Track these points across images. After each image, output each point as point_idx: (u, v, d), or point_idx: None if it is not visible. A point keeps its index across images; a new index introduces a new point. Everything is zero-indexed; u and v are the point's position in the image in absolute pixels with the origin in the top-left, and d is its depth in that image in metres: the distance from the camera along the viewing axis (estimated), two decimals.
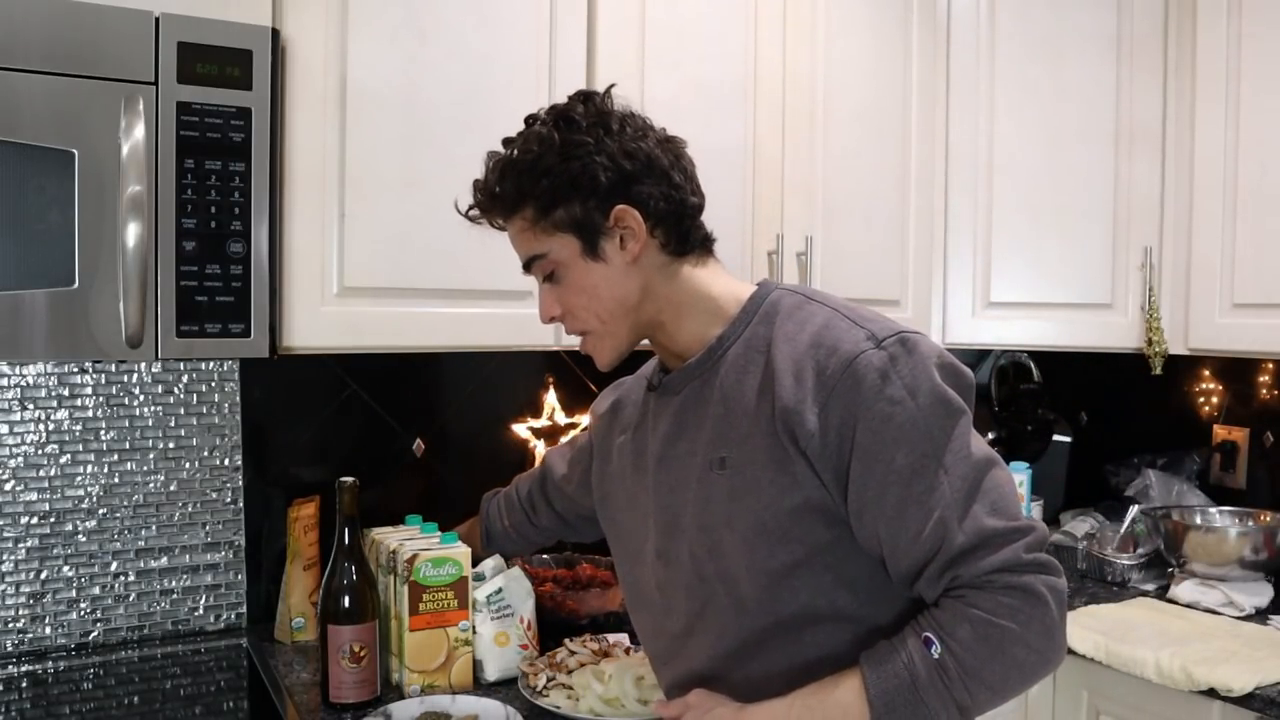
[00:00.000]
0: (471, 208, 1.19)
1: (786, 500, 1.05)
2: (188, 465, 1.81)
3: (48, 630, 1.71)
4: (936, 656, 0.99)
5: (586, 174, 1.09)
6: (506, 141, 1.16)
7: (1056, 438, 2.68)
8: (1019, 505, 1.05)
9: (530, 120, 1.15)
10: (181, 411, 1.81)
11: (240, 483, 1.85)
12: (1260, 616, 1.96)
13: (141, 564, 1.78)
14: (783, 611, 1.08)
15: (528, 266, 1.17)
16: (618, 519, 1.30)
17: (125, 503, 1.77)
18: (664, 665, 1.24)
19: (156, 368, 1.79)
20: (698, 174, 1.18)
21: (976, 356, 2.71)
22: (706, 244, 1.19)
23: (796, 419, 1.03)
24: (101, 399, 1.75)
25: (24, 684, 1.60)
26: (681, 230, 1.14)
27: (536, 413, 2.14)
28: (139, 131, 1.33)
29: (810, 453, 1.03)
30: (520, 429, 2.12)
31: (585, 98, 1.13)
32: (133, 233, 1.32)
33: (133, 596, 1.77)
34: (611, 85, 1.16)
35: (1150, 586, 2.17)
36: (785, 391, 1.04)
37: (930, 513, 1.00)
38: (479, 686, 1.61)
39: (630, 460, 1.26)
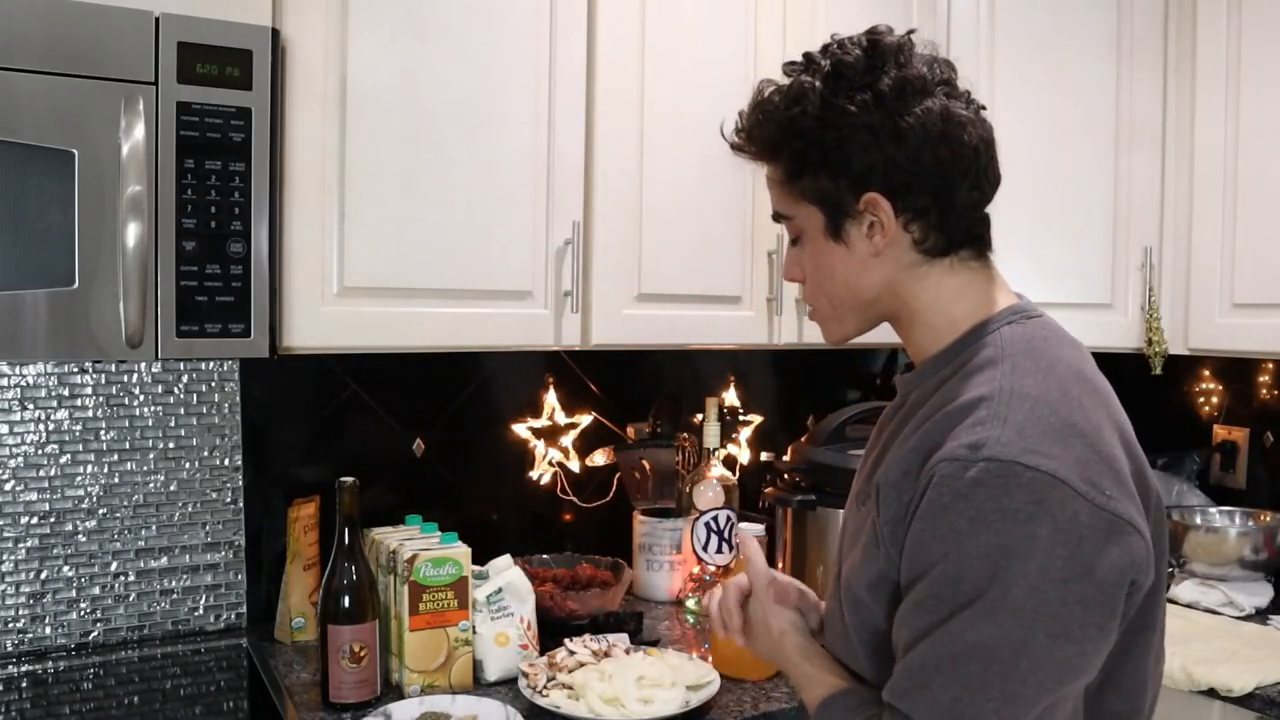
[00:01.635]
0: (739, 131, 1.06)
1: (869, 570, 0.95)
2: (188, 465, 1.81)
3: (48, 630, 1.71)
4: None
5: (841, 150, 0.95)
6: (789, 68, 1.01)
7: None
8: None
9: (808, 58, 1.00)
10: (181, 411, 1.81)
11: (240, 483, 1.85)
12: (1260, 616, 1.96)
13: (141, 564, 1.78)
14: (876, 672, 0.99)
15: (776, 218, 1.07)
16: None
17: (125, 503, 1.77)
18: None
19: (156, 368, 1.79)
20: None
21: None
22: (975, 244, 1.01)
23: (883, 497, 0.93)
24: (101, 399, 1.75)
25: (24, 684, 1.60)
26: (946, 229, 0.98)
27: (536, 413, 2.14)
28: (139, 131, 1.33)
29: (883, 535, 0.93)
30: (520, 429, 2.12)
31: (870, 46, 0.97)
32: (133, 233, 1.32)
33: (133, 596, 1.77)
34: (911, 31, 1.00)
35: None
36: (890, 463, 0.94)
37: (904, 649, 0.89)
38: (479, 686, 1.61)
39: None
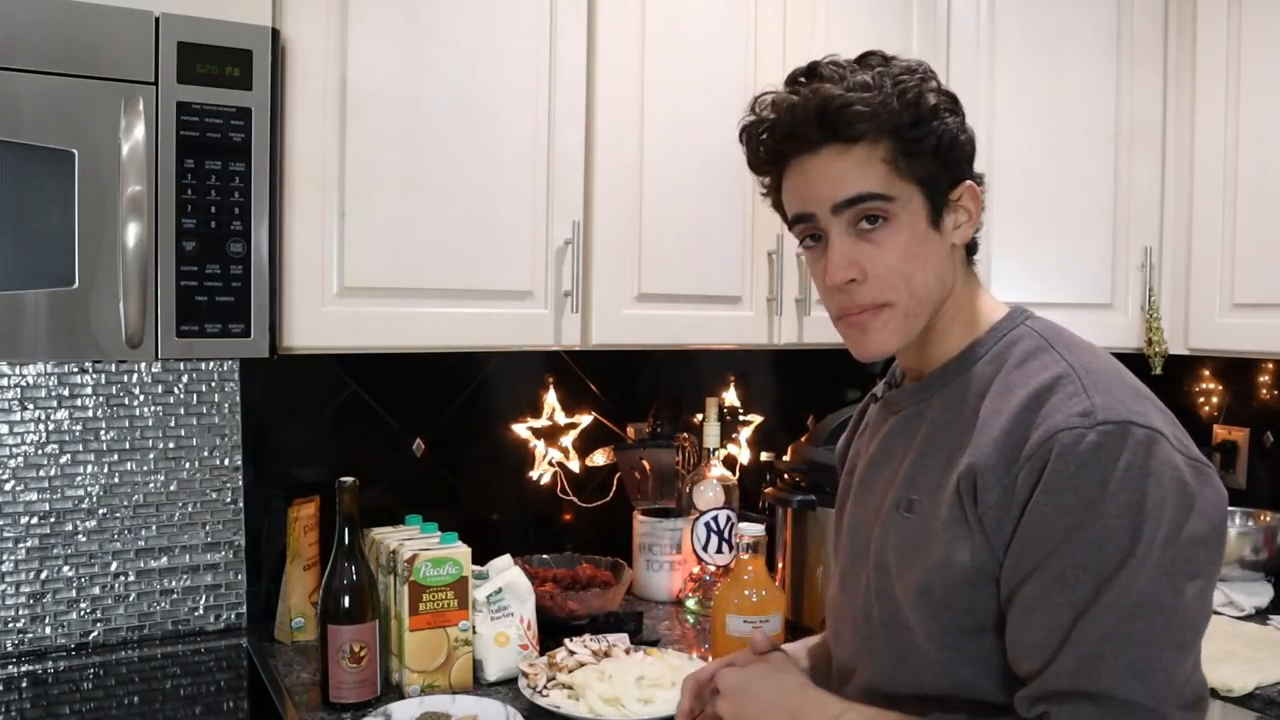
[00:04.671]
0: (782, 104, 0.99)
1: (956, 567, 0.93)
2: (188, 465, 1.81)
3: (48, 630, 1.71)
4: None
5: (949, 134, 0.97)
6: (863, 60, 0.99)
7: None
8: (1177, 671, 0.85)
9: (871, 57, 1.00)
10: (181, 411, 1.81)
11: (240, 483, 1.85)
12: (1260, 616, 1.96)
13: (141, 564, 1.78)
14: (940, 679, 0.97)
15: (850, 204, 0.96)
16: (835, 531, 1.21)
17: (125, 503, 1.77)
18: (838, 687, 1.12)
19: (156, 368, 1.79)
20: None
21: None
22: (973, 251, 1.07)
23: (981, 484, 0.91)
24: (101, 399, 1.75)
25: (24, 684, 1.60)
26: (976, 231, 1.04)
27: (536, 413, 2.14)
28: (139, 131, 1.33)
29: (987, 523, 0.91)
30: (520, 429, 2.12)
31: (930, 72, 1.00)
32: (133, 233, 1.32)
33: (133, 596, 1.77)
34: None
35: None
36: (980, 450, 0.92)
37: (1055, 630, 0.86)
38: (479, 686, 1.61)
39: (845, 471, 1.19)
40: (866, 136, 0.96)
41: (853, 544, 1.09)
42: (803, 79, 0.99)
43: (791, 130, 0.98)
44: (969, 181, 1.00)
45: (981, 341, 1.02)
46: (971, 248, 1.05)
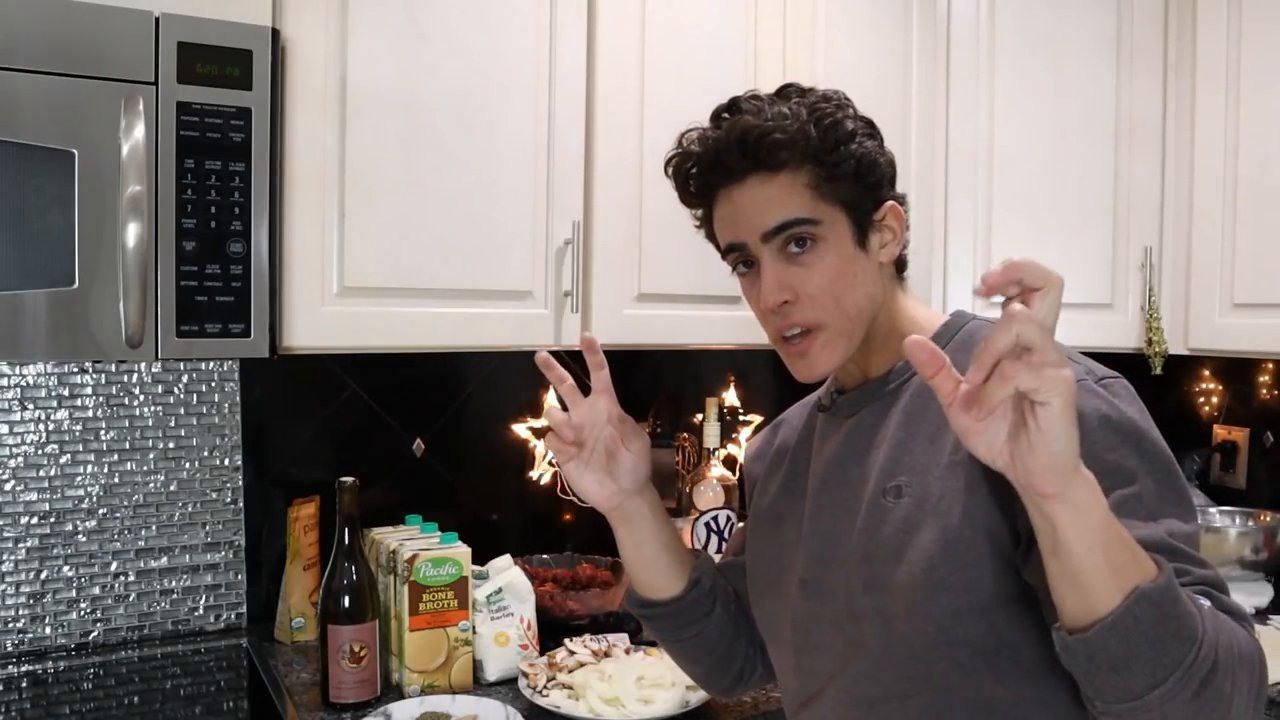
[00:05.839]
0: (706, 138, 1.04)
1: (966, 536, 0.94)
2: (188, 465, 1.81)
3: (48, 630, 1.71)
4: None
5: (868, 158, 1.01)
6: (782, 92, 1.04)
7: None
8: None
9: (789, 89, 1.05)
10: (181, 411, 1.81)
11: (240, 483, 1.85)
12: (1260, 616, 1.96)
13: (141, 564, 1.78)
14: (934, 665, 0.96)
15: (777, 231, 1.00)
16: (753, 545, 1.19)
17: (125, 503, 1.77)
18: (800, 706, 1.11)
19: (156, 368, 1.79)
20: None
21: None
22: (903, 268, 1.11)
23: None
24: (101, 399, 1.75)
25: (24, 684, 1.60)
26: (903, 248, 1.08)
27: (536, 413, 2.14)
28: (139, 131, 1.33)
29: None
30: (520, 429, 2.12)
31: (846, 100, 1.05)
32: (133, 233, 1.32)
33: (133, 596, 1.77)
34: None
35: None
36: None
37: (1154, 546, 0.87)
38: (479, 686, 1.61)
39: (781, 482, 1.18)
40: (788, 164, 1.00)
41: (818, 546, 1.08)
42: (725, 114, 1.04)
43: (716, 161, 1.03)
44: (891, 202, 1.03)
45: (940, 335, 1.05)
46: (901, 264, 1.08)
